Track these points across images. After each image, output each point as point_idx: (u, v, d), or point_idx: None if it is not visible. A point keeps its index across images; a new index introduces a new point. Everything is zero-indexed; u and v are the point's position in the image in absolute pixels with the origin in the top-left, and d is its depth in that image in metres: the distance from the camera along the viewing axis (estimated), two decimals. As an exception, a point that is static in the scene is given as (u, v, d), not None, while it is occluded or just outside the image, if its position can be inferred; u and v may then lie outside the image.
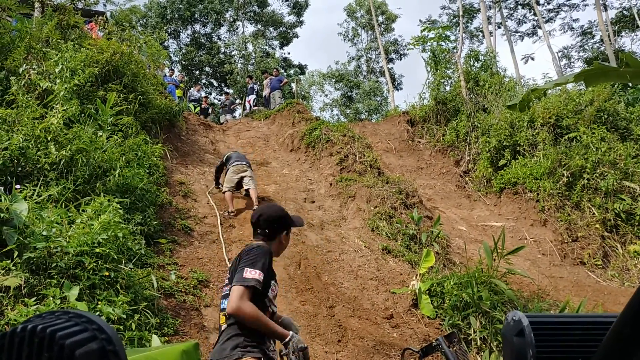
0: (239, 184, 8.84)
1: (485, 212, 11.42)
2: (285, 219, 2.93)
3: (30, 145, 5.73)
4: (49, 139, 5.98)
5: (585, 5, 31.68)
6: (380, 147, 14.66)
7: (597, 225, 9.50)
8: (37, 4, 9.75)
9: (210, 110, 20.87)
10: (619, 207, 9.53)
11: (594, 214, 9.66)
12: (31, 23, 8.50)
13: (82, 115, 7.20)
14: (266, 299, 2.63)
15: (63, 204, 5.31)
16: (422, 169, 14.08)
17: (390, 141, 15.49)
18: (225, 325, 2.58)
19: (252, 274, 2.51)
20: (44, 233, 4.21)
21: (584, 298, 6.51)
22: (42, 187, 5.37)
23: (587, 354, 0.65)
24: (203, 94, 21.28)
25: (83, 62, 7.92)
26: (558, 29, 42.18)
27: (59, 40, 8.56)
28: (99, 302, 4.00)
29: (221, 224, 7.89)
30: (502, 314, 5.70)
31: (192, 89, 20.92)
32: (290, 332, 2.52)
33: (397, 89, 37.01)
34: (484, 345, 5.53)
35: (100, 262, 4.35)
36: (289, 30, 35.76)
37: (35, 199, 5.00)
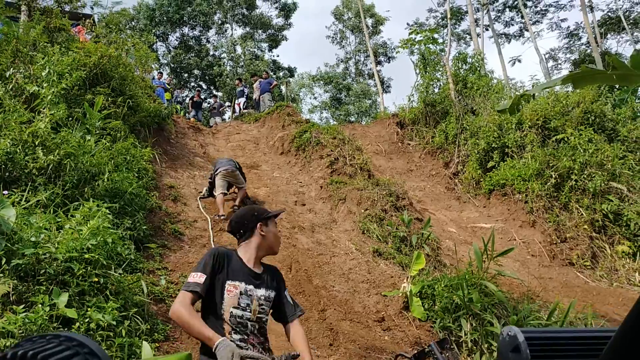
0: (229, 187, 8.89)
1: (475, 214, 11.47)
2: (253, 214, 2.81)
3: (18, 150, 5.67)
4: (36, 143, 5.91)
5: (572, 5, 31.97)
6: (370, 149, 14.68)
7: (586, 226, 9.57)
8: (23, 8, 9.67)
9: (202, 104, 21.03)
10: (607, 208, 9.61)
11: (582, 214, 9.74)
12: (18, 27, 8.43)
13: (70, 119, 7.15)
14: (223, 302, 2.50)
15: (51, 210, 5.26)
16: (411, 171, 14.12)
17: (380, 143, 15.53)
18: None
19: (193, 277, 2.47)
20: (33, 239, 4.16)
21: (574, 299, 6.55)
22: (30, 193, 5.31)
23: (584, 369, 0.65)
24: (189, 97, 21.34)
25: (70, 65, 7.86)
26: (546, 29, 42.55)
27: (46, 43, 8.49)
28: (89, 309, 3.95)
29: (212, 228, 7.85)
30: (492, 316, 5.72)
31: (177, 90, 20.97)
32: (221, 338, 2.31)
33: (386, 92, 37.12)
34: (475, 347, 5.55)
35: (89, 268, 4.30)
36: (277, 33, 35.72)
37: (24, 205, 4.95)
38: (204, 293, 2.48)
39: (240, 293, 2.55)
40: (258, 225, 2.76)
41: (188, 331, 2.39)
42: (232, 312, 2.50)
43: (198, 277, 2.47)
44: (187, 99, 21.52)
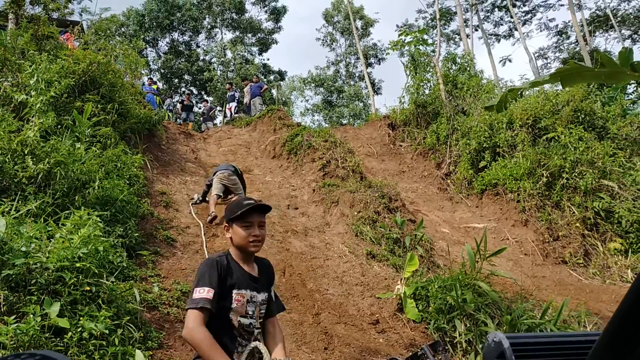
0: (226, 192, 8.89)
1: (467, 214, 11.50)
2: (227, 214, 2.67)
3: (7, 160, 5.64)
4: (25, 152, 5.87)
5: (561, 5, 32.20)
6: (362, 151, 14.71)
7: (578, 224, 9.62)
8: (11, 16, 9.61)
9: (193, 107, 21.04)
10: (598, 206, 9.66)
11: (574, 212, 9.78)
12: (6, 35, 8.38)
13: (59, 127, 7.11)
14: (230, 312, 2.45)
15: (42, 219, 5.22)
16: (404, 172, 14.14)
17: (372, 145, 15.55)
18: None
19: (200, 293, 2.34)
20: (23, 249, 4.13)
21: (567, 297, 6.58)
22: (20, 202, 5.28)
23: (569, 373, 0.65)
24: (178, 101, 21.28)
25: (58, 73, 7.82)
26: (535, 29, 42.80)
27: (34, 51, 8.45)
28: (81, 318, 3.92)
29: (204, 234, 7.83)
30: (486, 316, 5.73)
31: (168, 99, 20.91)
32: None
33: (377, 94, 37.22)
34: (469, 348, 5.56)
35: (81, 277, 4.27)
36: (267, 36, 35.76)
37: (13, 214, 4.91)
38: (215, 309, 2.37)
39: (247, 301, 2.51)
40: (227, 227, 2.65)
41: (201, 354, 2.26)
42: (240, 321, 2.47)
43: (206, 293, 2.34)
44: (177, 104, 21.49)
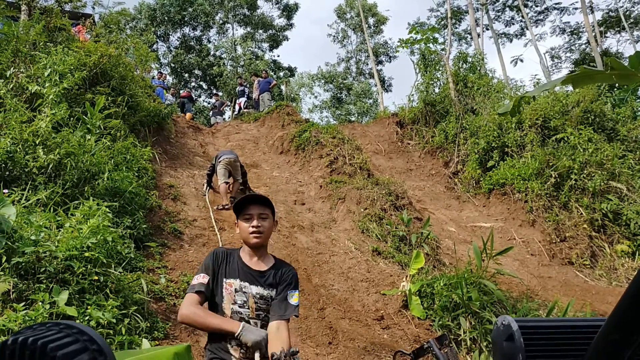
0: (229, 176, 9.05)
1: (475, 213, 11.47)
2: (235, 206, 2.69)
3: (18, 149, 5.68)
4: (37, 142, 5.92)
5: (575, 8, 31.94)
6: (369, 148, 14.69)
7: (585, 226, 9.57)
8: (23, 7, 9.67)
9: (191, 103, 21.16)
10: (606, 207, 9.62)
11: (581, 214, 9.74)
12: (18, 26, 8.43)
13: (71, 118, 7.15)
14: (223, 300, 2.50)
15: (52, 208, 5.27)
16: (411, 170, 14.12)
17: (380, 143, 15.52)
18: None
19: (197, 279, 2.50)
20: (33, 237, 4.17)
21: (572, 298, 6.56)
22: (30, 191, 5.32)
23: (576, 357, 0.66)
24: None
25: (72, 65, 7.86)
26: (549, 32, 42.33)
27: (46, 42, 8.49)
28: (89, 307, 3.96)
29: (215, 222, 7.90)
30: (491, 314, 5.73)
31: (167, 94, 20.78)
32: (242, 323, 2.37)
33: (388, 91, 37.14)
34: (473, 346, 5.56)
35: (89, 266, 4.31)
36: (278, 33, 35.75)
37: (24, 203, 4.96)
38: (209, 293, 2.50)
39: (235, 290, 2.53)
40: (235, 225, 2.71)
41: (203, 326, 2.41)
42: (232, 308, 2.50)
43: (202, 278, 2.50)
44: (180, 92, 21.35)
